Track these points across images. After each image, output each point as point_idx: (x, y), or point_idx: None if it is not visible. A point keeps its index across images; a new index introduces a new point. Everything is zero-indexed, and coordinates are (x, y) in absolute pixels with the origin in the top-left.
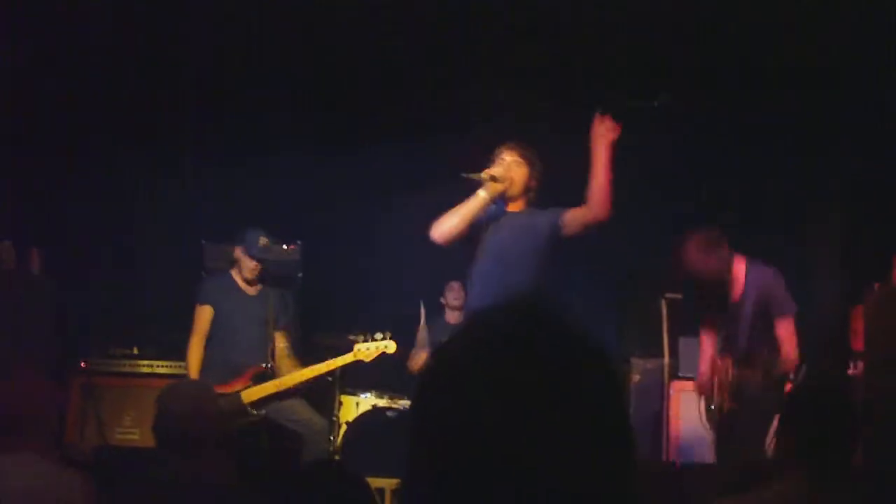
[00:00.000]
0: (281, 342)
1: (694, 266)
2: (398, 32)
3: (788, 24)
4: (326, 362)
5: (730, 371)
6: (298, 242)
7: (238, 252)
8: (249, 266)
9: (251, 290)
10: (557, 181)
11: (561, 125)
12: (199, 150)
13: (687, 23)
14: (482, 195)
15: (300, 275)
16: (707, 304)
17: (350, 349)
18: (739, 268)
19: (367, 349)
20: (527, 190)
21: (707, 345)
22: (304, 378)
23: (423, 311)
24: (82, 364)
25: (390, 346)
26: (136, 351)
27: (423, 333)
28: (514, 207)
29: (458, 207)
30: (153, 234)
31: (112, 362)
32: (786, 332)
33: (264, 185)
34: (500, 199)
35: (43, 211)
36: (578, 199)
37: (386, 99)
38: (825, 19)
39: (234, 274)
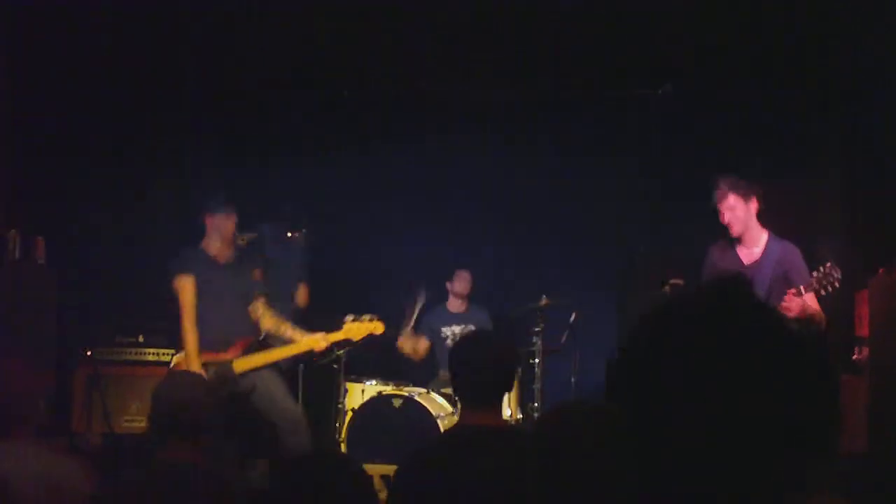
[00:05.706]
0: (259, 308)
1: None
2: (400, 28)
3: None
4: (314, 336)
5: None
6: (303, 230)
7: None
8: (226, 234)
9: (222, 260)
10: (556, 170)
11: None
12: (204, 139)
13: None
14: None
15: (305, 261)
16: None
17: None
18: (762, 234)
19: (358, 328)
20: None
21: None
22: (294, 352)
23: (422, 295)
24: (87, 353)
25: (378, 328)
26: (141, 339)
27: (415, 315)
28: None
29: None
30: (158, 222)
31: (117, 351)
32: (811, 300)
33: (268, 173)
34: None
35: (48, 201)
36: (580, 185)
37: (390, 92)
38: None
39: (205, 246)
